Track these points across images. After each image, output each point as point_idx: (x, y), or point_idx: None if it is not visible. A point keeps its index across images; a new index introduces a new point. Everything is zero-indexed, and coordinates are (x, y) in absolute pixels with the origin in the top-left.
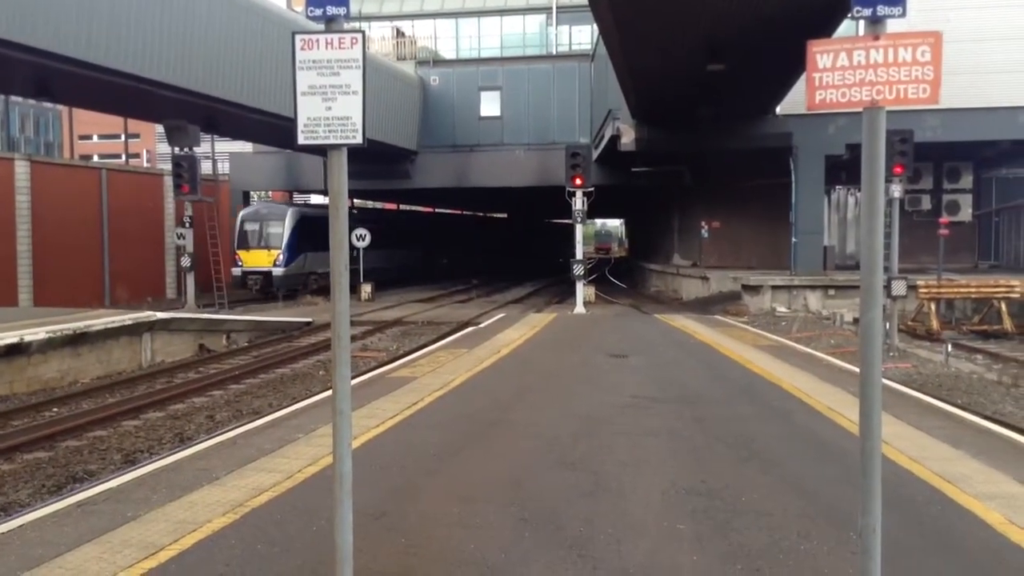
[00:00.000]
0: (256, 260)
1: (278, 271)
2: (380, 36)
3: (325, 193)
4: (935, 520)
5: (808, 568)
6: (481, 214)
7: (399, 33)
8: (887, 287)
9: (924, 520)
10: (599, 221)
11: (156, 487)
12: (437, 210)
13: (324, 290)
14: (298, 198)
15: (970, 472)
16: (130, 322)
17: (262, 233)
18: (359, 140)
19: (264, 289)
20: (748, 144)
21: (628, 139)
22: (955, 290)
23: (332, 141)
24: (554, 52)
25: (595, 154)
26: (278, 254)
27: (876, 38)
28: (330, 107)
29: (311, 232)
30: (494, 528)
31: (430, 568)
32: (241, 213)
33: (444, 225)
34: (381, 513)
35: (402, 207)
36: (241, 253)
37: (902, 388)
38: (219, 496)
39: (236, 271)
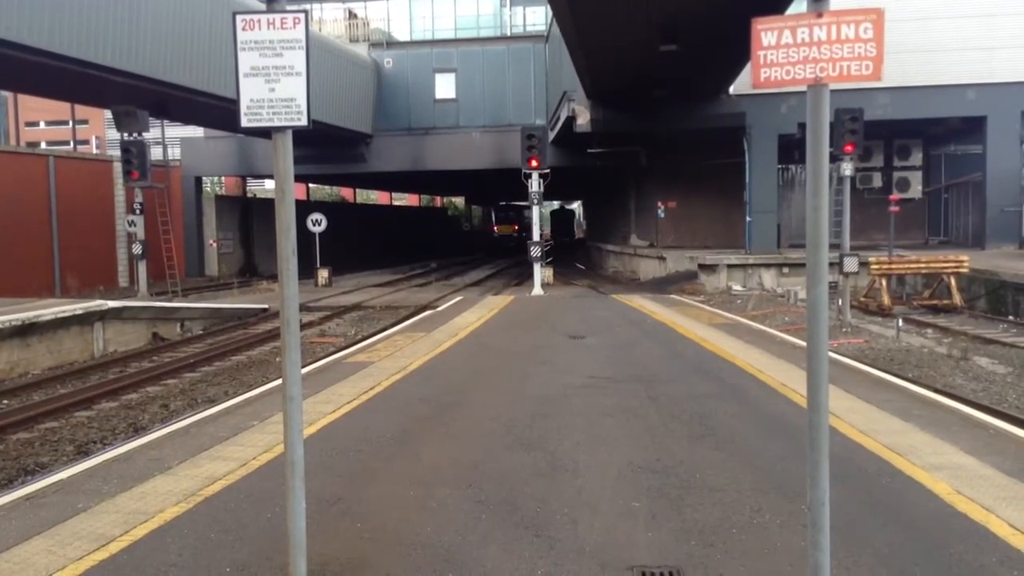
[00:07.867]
0: (505, 230)
1: (514, 236)
2: (332, 18)
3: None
4: (884, 491)
5: (760, 542)
6: (439, 198)
7: (351, 15)
8: (839, 264)
9: (873, 491)
10: (556, 203)
11: (108, 478)
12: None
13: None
14: (252, 183)
15: (919, 444)
16: (81, 311)
17: (507, 216)
18: (304, 122)
19: (509, 247)
20: (702, 124)
21: (584, 120)
22: (906, 266)
23: (276, 123)
24: (508, 33)
25: (551, 136)
26: (515, 226)
27: (819, 15)
28: (273, 88)
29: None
30: (451, 511)
31: (385, 552)
32: (495, 208)
33: (403, 212)
34: (336, 499)
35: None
36: (497, 227)
37: (854, 363)
38: (172, 486)
39: (494, 235)
